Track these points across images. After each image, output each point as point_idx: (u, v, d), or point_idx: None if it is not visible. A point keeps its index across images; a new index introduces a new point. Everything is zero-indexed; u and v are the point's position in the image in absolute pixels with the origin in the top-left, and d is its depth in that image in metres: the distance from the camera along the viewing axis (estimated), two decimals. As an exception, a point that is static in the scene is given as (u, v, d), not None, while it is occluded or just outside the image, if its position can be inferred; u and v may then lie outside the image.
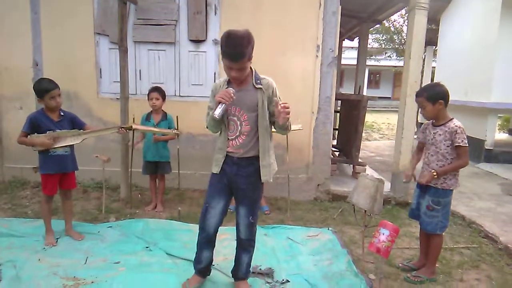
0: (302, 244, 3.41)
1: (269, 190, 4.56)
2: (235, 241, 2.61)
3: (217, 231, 2.52)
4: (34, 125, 3.07)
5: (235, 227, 2.56)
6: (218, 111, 2.19)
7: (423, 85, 3.45)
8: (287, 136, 4.15)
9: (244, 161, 2.37)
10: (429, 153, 2.88)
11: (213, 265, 2.88)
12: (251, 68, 2.34)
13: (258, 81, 2.33)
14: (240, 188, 2.42)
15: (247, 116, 2.32)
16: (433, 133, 2.86)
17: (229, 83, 2.34)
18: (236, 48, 2.11)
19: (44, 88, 3.02)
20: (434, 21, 10.22)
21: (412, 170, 3.03)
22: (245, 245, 2.55)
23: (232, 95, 2.19)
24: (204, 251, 2.56)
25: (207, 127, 2.45)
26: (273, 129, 2.46)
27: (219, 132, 2.44)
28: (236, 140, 2.35)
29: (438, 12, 9.75)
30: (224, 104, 2.19)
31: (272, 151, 2.46)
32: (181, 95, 4.80)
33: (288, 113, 2.18)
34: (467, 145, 2.73)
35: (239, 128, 2.34)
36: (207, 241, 2.53)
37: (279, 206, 4.45)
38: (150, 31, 4.65)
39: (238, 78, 2.24)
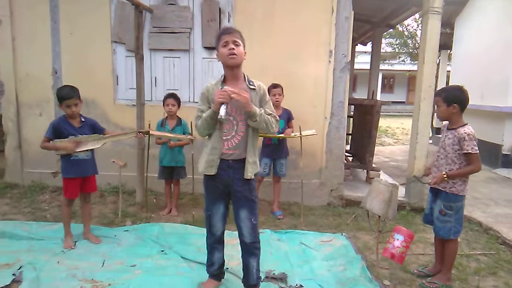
0: (315, 249, 3.41)
1: (282, 195, 4.58)
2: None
3: (224, 231, 2.58)
4: (57, 131, 3.17)
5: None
6: (223, 112, 2.20)
7: (437, 89, 3.44)
8: (301, 141, 4.17)
9: (238, 164, 2.39)
10: (439, 156, 2.88)
11: (227, 268, 2.92)
12: (243, 73, 2.43)
13: (251, 82, 2.42)
14: (237, 191, 2.42)
15: (243, 116, 2.36)
16: (445, 136, 2.86)
17: (222, 84, 2.38)
18: (229, 27, 2.37)
19: (61, 96, 3.14)
20: (448, 25, 10.12)
21: (429, 170, 3.06)
22: (251, 249, 2.50)
23: (229, 92, 2.21)
24: (215, 252, 2.60)
25: (197, 131, 2.43)
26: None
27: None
28: (232, 140, 2.37)
29: (453, 16, 9.65)
30: (227, 104, 2.22)
31: (257, 150, 2.49)
32: (195, 101, 4.86)
33: (239, 99, 2.23)
34: (478, 151, 2.70)
35: (235, 127, 2.36)
36: (216, 243, 2.60)
37: (292, 211, 4.46)
38: (165, 39, 4.75)
39: (235, 52, 2.27)
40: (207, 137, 2.46)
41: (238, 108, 2.33)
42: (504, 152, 7.19)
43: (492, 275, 3.09)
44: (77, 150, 3.18)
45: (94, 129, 3.35)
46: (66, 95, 3.13)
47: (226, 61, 2.32)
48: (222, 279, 2.73)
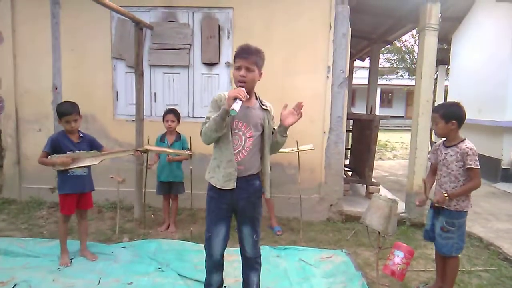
0: (315, 266, 3.37)
1: (281, 210, 4.55)
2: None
3: (223, 254, 2.50)
4: (55, 146, 3.17)
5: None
6: (236, 106, 2.09)
7: (435, 104, 3.45)
8: (298, 156, 4.17)
9: (243, 181, 2.36)
10: (441, 174, 2.85)
11: (225, 286, 2.87)
12: (255, 93, 2.42)
13: (263, 102, 2.44)
14: (241, 209, 2.42)
15: (252, 133, 2.36)
16: (445, 153, 2.83)
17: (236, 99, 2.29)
18: (247, 49, 2.29)
19: (61, 112, 3.16)
20: (445, 40, 10.25)
21: (426, 194, 2.94)
22: (252, 264, 2.52)
23: (246, 94, 2.17)
24: (214, 275, 2.54)
25: (202, 136, 2.31)
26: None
27: (220, 146, 2.34)
28: (238, 155, 2.34)
29: (450, 32, 9.78)
30: (240, 101, 2.13)
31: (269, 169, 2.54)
32: (194, 116, 4.89)
33: (300, 113, 2.34)
34: (479, 167, 2.69)
35: (243, 143, 2.35)
36: (215, 266, 2.52)
37: (292, 227, 4.42)
38: (165, 55, 4.80)
39: (245, 79, 2.24)
40: (216, 148, 2.39)
41: (287, 124, 2.37)
42: (503, 167, 7.18)
43: (494, 292, 3.05)
44: (75, 166, 3.17)
45: (93, 145, 3.35)
46: (66, 111, 3.14)
47: (236, 84, 2.32)
48: None
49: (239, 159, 2.34)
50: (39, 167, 3.25)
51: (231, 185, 2.33)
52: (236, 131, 2.33)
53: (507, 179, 7.12)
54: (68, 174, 3.20)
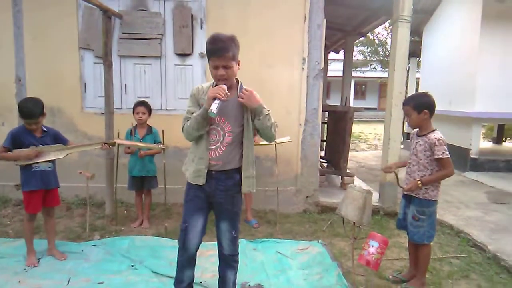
0: (291, 258, 3.37)
1: (258, 203, 4.52)
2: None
3: (198, 249, 2.42)
4: (16, 141, 2.99)
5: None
6: (214, 107, 2.06)
7: (408, 96, 3.50)
8: (275, 148, 4.14)
9: (222, 175, 2.30)
10: (411, 162, 2.91)
11: (200, 282, 2.82)
12: (237, 79, 2.32)
13: (244, 89, 2.29)
14: (219, 203, 2.34)
15: (231, 128, 2.27)
16: (415, 142, 2.90)
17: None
18: (219, 43, 2.14)
19: (23, 114, 2.96)
20: (417, 33, 10.46)
21: (394, 166, 3.08)
22: (229, 261, 2.43)
23: (225, 90, 2.11)
24: (186, 270, 2.44)
25: (184, 133, 2.30)
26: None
27: (196, 140, 2.31)
28: (216, 150, 2.27)
29: (421, 24, 9.98)
30: (219, 101, 2.09)
31: (254, 164, 2.39)
32: (167, 108, 4.76)
33: (249, 96, 2.18)
34: (448, 156, 2.74)
35: (221, 138, 2.27)
36: (188, 261, 2.43)
37: (268, 219, 4.40)
38: (135, 45, 4.63)
39: (225, 77, 2.17)
40: (192, 143, 2.34)
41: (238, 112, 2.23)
42: (472, 156, 7.45)
43: (464, 278, 3.14)
44: (39, 161, 3.00)
45: (57, 139, 3.17)
46: (28, 114, 2.94)
47: (216, 81, 2.23)
48: None
49: (218, 154, 2.27)
50: (3, 163, 3.06)
51: (201, 181, 2.29)
52: (214, 126, 2.26)
53: (475, 168, 7.39)
54: (32, 170, 3.03)
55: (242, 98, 2.20)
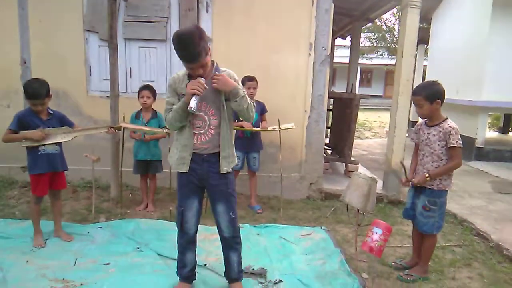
0: (295, 243, 3.39)
1: (262, 189, 4.54)
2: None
3: (197, 231, 2.48)
4: (23, 124, 3.00)
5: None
6: (193, 104, 2.13)
7: (415, 84, 3.43)
8: (280, 135, 4.13)
9: (213, 157, 2.33)
10: (424, 153, 2.85)
11: (205, 264, 2.86)
12: (212, 61, 2.33)
13: (219, 70, 2.32)
14: (213, 185, 2.37)
15: (214, 111, 2.30)
16: (427, 133, 2.82)
17: (189, 76, 2.26)
18: (188, 48, 2.10)
19: (29, 94, 2.95)
20: (425, 19, 10.27)
21: (411, 174, 2.97)
22: (231, 243, 2.48)
23: (202, 83, 2.15)
24: (188, 253, 2.49)
25: (166, 125, 2.35)
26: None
27: (179, 128, 2.34)
28: (205, 135, 2.31)
29: (430, 11, 9.79)
30: (198, 96, 2.15)
31: (232, 143, 2.42)
32: (172, 93, 4.74)
33: (222, 81, 2.20)
34: (462, 145, 2.71)
35: (208, 122, 2.30)
36: (188, 243, 2.48)
37: (272, 205, 4.43)
38: (140, 28, 4.58)
39: (202, 75, 2.21)
40: (176, 131, 2.38)
41: (215, 95, 2.25)
42: (477, 145, 7.40)
43: (467, 266, 3.15)
44: (46, 143, 3.01)
45: (63, 123, 3.18)
46: (33, 95, 2.94)
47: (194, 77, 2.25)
48: (194, 281, 2.61)
49: (207, 138, 2.31)
50: (9, 145, 3.08)
51: (184, 168, 2.33)
52: (199, 112, 2.27)
53: (480, 158, 7.36)
54: (39, 153, 3.04)
55: (216, 84, 2.22)
